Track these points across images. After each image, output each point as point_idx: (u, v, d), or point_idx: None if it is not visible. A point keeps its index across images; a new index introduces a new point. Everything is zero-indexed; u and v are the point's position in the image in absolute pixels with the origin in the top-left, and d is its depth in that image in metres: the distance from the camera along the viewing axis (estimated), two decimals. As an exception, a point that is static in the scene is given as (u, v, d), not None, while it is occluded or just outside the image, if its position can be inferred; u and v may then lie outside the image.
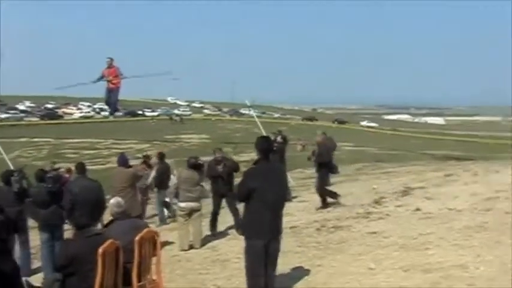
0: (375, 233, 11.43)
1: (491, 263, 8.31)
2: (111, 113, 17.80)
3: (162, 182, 16.64)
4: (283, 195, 8.01)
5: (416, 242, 10.22)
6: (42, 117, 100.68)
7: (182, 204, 12.57)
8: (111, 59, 16.06)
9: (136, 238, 7.28)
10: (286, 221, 14.26)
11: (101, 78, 15.97)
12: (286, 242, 11.52)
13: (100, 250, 6.58)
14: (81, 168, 13.03)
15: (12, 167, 15.91)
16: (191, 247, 12.49)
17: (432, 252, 9.39)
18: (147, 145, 63.50)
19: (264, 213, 7.55)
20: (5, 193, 11.80)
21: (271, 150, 7.96)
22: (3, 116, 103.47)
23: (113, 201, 7.94)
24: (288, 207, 16.71)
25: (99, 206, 6.53)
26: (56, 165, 17.43)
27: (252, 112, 27.61)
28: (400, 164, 36.64)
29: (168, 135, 77.90)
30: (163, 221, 16.61)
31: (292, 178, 24.81)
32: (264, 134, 21.46)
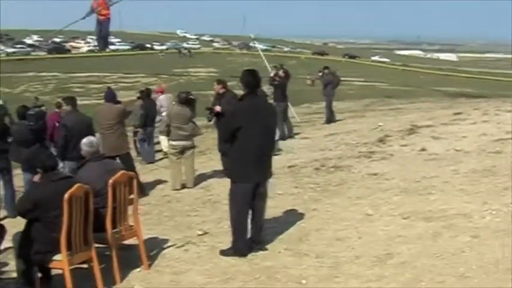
0: (375, 174, 10.79)
1: (498, 212, 7.62)
2: (104, 47, 16.78)
3: (146, 120, 15.80)
4: (271, 135, 7.30)
5: (419, 185, 9.56)
6: (49, 52, 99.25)
7: (174, 142, 11.87)
8: None
9: (110, 181, 6.69)
10: (286, 159, 13.81)
11: (90, 11, 15.03)
12: (283, 182, 11.00)
13: (66, 195, 6.01)
14: (72, 102, 12.22)
15: (1, 102, 15.18)
16: (184, 186, 11.89)
17: (435, 197, 8.72)
18: (154, 79, 62.49)
19: (250, 155, 6.89)
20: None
21: (258, 85, 7.20)
22: (10, 50, 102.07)
23: (85, 140, 7.28)
24: (289, 145, 16.29)
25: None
26: (39, 102, 16.64)
27: (257, 45, 26.66)
28: (410, 100, 35.85)
29: (176, 68, 76.91)
30: (147, 159, 15.84)
31: (298, 113, 24.13)
32: (269, 67, 20.67)
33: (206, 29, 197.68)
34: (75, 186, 6.14)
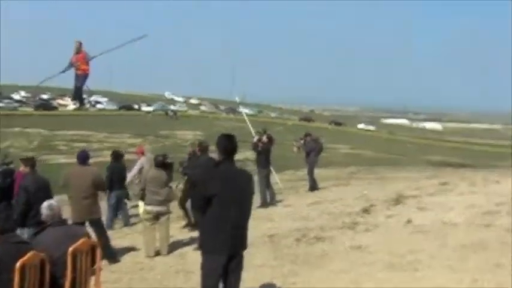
0: (359, 247, 10.25)
1: (490, 292, 7.11)
2: (80, 103, 16.26)
3: (113, 183, 15.15)
4: (247, 204, 6.74)
5: (405, 260, 9.04)
6: (36, 108, 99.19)
7: (148, 207, 11.31)
8: (80, 43, 14.66)
9: (70, 249, 6.15)
10: (267, 227, 13.27)
11: (70, 66, 14.61)
12: (262, 253, 10.44)
13: (18, 264, 5.46)
14: (31, 163, 11.31)
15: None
16: (157, 253, 11.30)
17: (422, 274, 8.21)
18: (140, 139, 62.37)
19: (224, 225, 6.36)
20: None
21: (234, 151, 6.69)
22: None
23: (45, 204, 6.74)
24: (271, 212, 15.77)
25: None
26: (8, 159, 15.99)
27: (241, 110, 26.38)
28: (395, 168, 35.49)
29: (162, 130, 76.78)
30: (110, 227, 15.08)
31: (282, 180, 23.64)
32: (253, 132, 20.27)
33: (194, 92, 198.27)
34: (29, 253, 5.61)
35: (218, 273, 6.41)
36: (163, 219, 11.37)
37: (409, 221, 12.09)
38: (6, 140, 59.13)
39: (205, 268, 6.46)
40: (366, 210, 13.96)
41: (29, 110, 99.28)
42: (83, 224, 10.79)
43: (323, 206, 15.83)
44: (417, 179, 23.05)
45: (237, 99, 25.10)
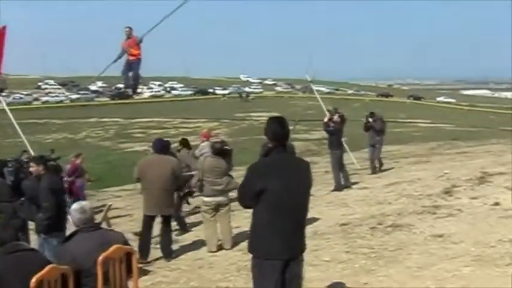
0: (441, 236, 9.13)
1: None
2: (133, 91, 15.47)
3: None
4: (305, 198, 5.67)
5: (495, 252, 7.89)
6: (112, 98, 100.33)
7: (207, 199, 10.41)
8: (130, 28, 13.82)
9: (100, 258, 5.33)
10: (340, 214, 12.26)
11: (122, 53, 13.88)
12: (333, 245, 9.48)
13: (33, 282, 4.68)
14: (43, 161, 10.34)
15: (32, 152, 14.03)
16: (220, 247, 10.45)
17: (517, 269, 7.06)
18: (216, 123, 62.22)
19: (277, 224, 5.40)
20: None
21: (286, 137, 5.70)
22: (74, 96, 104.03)
23: (75, 206, 5.92)
24: (345, 196, 14.75)
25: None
26: (54, 155, 15.24)
27: (313, 87, 25.27)
28: (478, 142, 33.80)
29: (237, 113, 76.42)
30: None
31: (357, 159, 22.57)
32: (325, 111, 19.22)
33: (270, 73, 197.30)
34: (48, 267, 4.81)
35: (274, 280, 5.45)
36: (223, 210, 10.44)
37: (497, 203, 10.87)
38: (83, 130, 60.08)
39: (257, 276, 5.53)
40: (447, 192, 12.80)
41: (105, 99, 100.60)
42: (153, 218, 10.17)
43: (401, 188, 14.72)
44: (502, 153, 21.59)
45: (308, 77, 23.92)
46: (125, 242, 5.90)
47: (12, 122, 14.28)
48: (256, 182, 5.43)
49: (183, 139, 15.31)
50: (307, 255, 5.69)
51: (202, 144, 15.68)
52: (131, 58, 13.79)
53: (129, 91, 15.56)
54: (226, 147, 10.79)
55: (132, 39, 13.55)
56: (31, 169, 9.11)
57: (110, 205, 13.06)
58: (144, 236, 10.14)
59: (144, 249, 9.98)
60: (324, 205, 13.68)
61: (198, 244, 11.17)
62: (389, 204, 12.61)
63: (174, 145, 14.08)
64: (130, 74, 14.30)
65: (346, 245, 9.42)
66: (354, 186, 16.31)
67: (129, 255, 5.68)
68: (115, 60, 13.68)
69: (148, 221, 10.17)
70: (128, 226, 14.54)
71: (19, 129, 14.19)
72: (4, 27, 13.07)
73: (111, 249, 5.46)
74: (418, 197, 12.87)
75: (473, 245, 8.40)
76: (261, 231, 5.49)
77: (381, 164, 19.89)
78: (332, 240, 9.81)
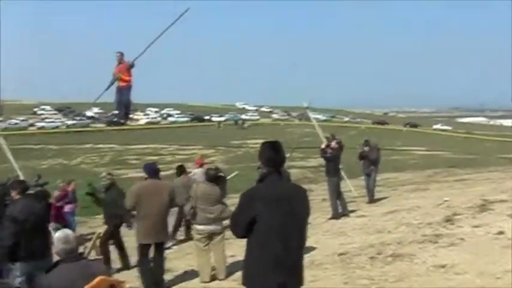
0: (443, 266, 8.76)
1: None
2: (125, 118, 15.11)
3: None
4: (301, 228, 5.32)
5: (501, 283, 7.54)
6: (108, 124, 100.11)
7: (199, 227, 10.06)
8: (121, 54, 13.58)
9: (83, 291, 4.97)
10: (338, 243, 11.91)
11: (114, 79, 13.62)
12: (331, 275, 9.12)
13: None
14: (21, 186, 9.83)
15: (21, 176, 13.67)
16: (214, 278, 10.09)
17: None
18: (212, 151, 61.87)
19: (272, 256, 5.05)
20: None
21: (281, 162, 5.39)
22: (70, 122, 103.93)
23: (59, 235, 5.55)
24: (343, 225, 14.41)
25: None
26: (42, 180, 14.93)
27: (310, 114, 24.99)
28: (476, 169, 33.49)
29: (233, 140, 76.18)
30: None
31: (355, 186, 22.24)
32: (322, 137, 18.91)
33: (266, 101, 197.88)
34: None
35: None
36: (217, 239, 10.10)
37: (500, 232, 10.48)
38: (78, 156, 59.75)
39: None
40: (448, 220, 12.42)
41: (100, 125, 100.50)
42: (149, 246, 9.76)
43: (400, 216, 14.37)
44: (502, 180, 21.27)
45: (304, 103, 23.65)
46: (108, 274, 5.54)
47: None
48: (249, 210, 5.10)
49: (180, 165, 15.14)
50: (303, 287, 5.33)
51: (195, 170, 15.45)
52: (121, 84, 13.52)
53: (121, 119, 15.23)
54: (221, 173, 10.44)
55: (123, 65, 13.33)
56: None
57: (100, 233, 12.67)
58: (148, 268, 9.78)
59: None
60: (321, 233, 13.36)
61: (190, 274, 10.83)
62: (388, 233, 12.26)
63: (170, 172, 13.86)
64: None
65: (344, 276, 9.07)
66: (351, 214, 16.01)
67: (113, 287, 5.31)
68: (107, 88, 13.45)
69: (145, 250, 9.77)
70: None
71: (9, 154, 13.84)
72: None
73: (95, 280, 5.10)
74: (418, 225, 12.51)
75: (477, 276, 8.04)
76: (255, 263, 5.15)
77: (372, 196, 19.12)
78: (330, 270, 9.47)
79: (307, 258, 9.37)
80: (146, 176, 10.08)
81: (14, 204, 8.40)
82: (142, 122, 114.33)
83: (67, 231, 5.61)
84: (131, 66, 13.13)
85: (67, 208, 16.56)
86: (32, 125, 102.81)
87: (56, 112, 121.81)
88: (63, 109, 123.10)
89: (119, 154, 61.89)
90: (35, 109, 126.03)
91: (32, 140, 75.26)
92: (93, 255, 11.87)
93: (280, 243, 5.04)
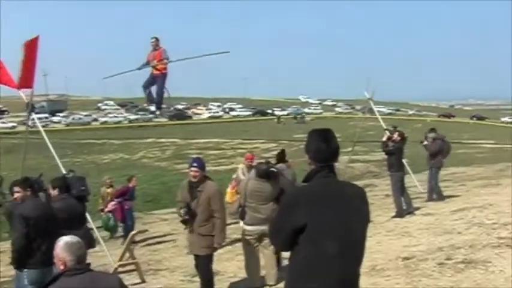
0: (525, 277, 7.64)
1: None
2: (157, 107, 14.43)
3: None
4: (360, 237, 4.21)
5: None
6: (170, 118, 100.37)
7: (249, 228, 9.06)
8: (157, 39, 13.04)
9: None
10: (402, 246, 10.82)
11: (146, 63, 13.09)
12: (394, 284, 8.07)
13: None
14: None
15: (64, 171, 12.98)
16: (263, 284, 9.13)
17: None
18: (274, 144, 61.12)
19: (322, 271, 4.00)
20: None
21: (334, 155, 4.35)
22: (133, 117, 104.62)
23: (62, 243, 4.56)
24: (407, 224, 13.29)
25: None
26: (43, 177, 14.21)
27: (372, 105, 23.88)
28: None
29: (296, 134, 75.30)
30: None
31: (420, 182, 20.98)
32: (385, 128, 17.78)
33: (330, 94, 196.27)
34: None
35: None
36: (267, 240, 9.08)
37: None
38: (140, 150, 59.88)
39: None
40: (527, 220, 11.20)
41: (163, 120, 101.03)
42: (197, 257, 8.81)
43: (471, 215, 13.13)
44: None
45: (366, 94, 22.57)
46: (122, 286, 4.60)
47: (46, 142, 13.29)
48: (291, 217, 4.04)
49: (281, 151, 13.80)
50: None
51: (240, 167, 14.79)
52: (155, 72, 13.00)
53: (153, 107, 14.64)
54: (273, 169, 9.39)
55: (158, 52, 12.89)
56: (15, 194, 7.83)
57: (134, 234, 11.91)
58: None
59: None
60: (384, 234, 12.28)
61: (238, 278, 9.94)
62: (458, 234, 11.08)
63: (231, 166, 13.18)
64: (154, 88, 13.54)
65: (409, 285, 8.01)
66: (416, 212, 14.81)
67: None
68: (139, 68, 13.02)
69: None
70: (169, 253, 13.47)
71: (53, 150, 13.20)
72: (37, 38, 12.12)
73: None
74: (491, 226, 11.30)
75: None
76: (298, 279, 4.15)
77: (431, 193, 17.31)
78: (393, 278, 8.42)
79: (367, 262, 8.35)
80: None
81: (23, 204, 7.60)
82: (204, 116, 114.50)
83: (72, 238, 4.64)
84: (166, 58, 12.64)
85: (126, 205, 16.11)
86: (95, 119, 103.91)
87: (118, 107, 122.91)
88: (126, 104, 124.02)
89: (181, 148, 61.92)
90: (99, 104, 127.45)
91: (95, 134, 75.92)
92: (126, 258, 11.03)
93: (335, 256, 4.01)
